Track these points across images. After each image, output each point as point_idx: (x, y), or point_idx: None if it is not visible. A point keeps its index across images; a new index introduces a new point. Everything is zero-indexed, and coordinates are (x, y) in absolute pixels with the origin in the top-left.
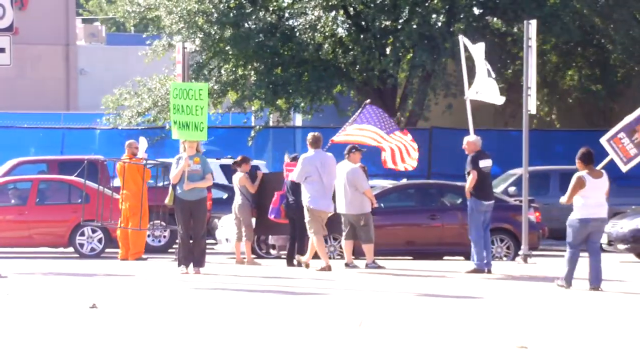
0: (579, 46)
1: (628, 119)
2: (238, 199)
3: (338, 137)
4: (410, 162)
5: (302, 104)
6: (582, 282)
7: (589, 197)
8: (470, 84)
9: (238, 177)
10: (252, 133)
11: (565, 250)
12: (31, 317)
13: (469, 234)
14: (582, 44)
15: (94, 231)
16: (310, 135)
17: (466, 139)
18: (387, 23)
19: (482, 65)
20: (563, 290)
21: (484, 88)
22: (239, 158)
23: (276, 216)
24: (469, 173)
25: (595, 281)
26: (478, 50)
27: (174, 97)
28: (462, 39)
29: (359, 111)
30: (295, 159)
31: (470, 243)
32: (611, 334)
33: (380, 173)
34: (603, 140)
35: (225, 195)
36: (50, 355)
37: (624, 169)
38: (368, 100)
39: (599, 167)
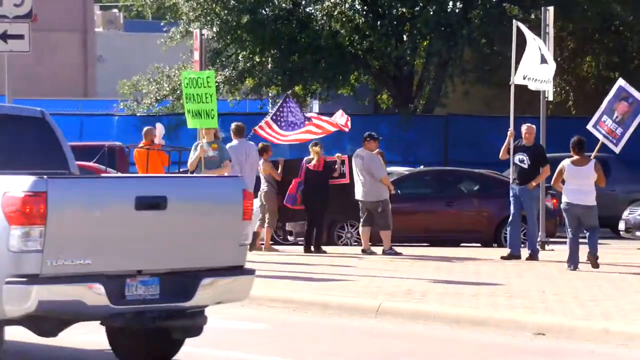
0: (597, 33)
1: (605, 101)
2: (264, 186)
3: (261, 130)
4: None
5: (319, 91)
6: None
7: (569, 184)
8: (516, 68)
9: (262, 165)
10: None
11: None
12: None
13: (530, 221)
14: (600, 30)
15: None
16: (233, 125)
17: (529, 127)
18: (404, 10)
19: (534, 52)
20: (571, 273)
21: (535, 74)
22: (260, 146)
23: (292, 204)
24: (533, 164)
25: (592, 252)
26: (533, 39)
27: (185, 86)
28: (516, 24)
29: (279, 104)
30: (314, 146)
31: (484, 230)
32: None
33: (398, 160)
34: (590, 127)
35: None
36: (71, 343)
37: (616, 149)
38: (289, 92)
39: (593, 154)
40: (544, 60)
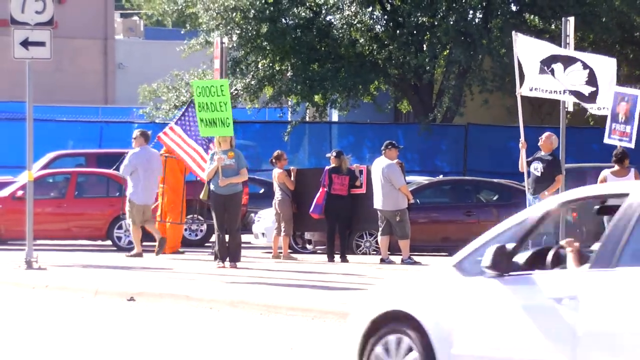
0: (617, 44)
1: (608, 112)
2: (278, 195)
3: (165, 137)
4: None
5: (339, 100)
6: None
7: None
8: (520, 79)
9: (277, 173)
10: (289, 128)
11: None
12: (70, 309)
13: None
14: (621, 42)
15: None
16: (138, 131)
17: (550, 135)
18: (424, 19)
19: (536, 61)
20: None
21: (543, 85)
22: (275, 154)
23: (319, 213)
24: (546, 173)
25: None
26: (537, 46)
27: (197, 95)
28: (516, 36)
29: (184, 108)
30: (338, 155)
31: None
32: None
33: (417, 169)
34: (607, 140)
35: (262, 190)
36: (88, 347)
37: (631, 145)
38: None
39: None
40: (551, 71)
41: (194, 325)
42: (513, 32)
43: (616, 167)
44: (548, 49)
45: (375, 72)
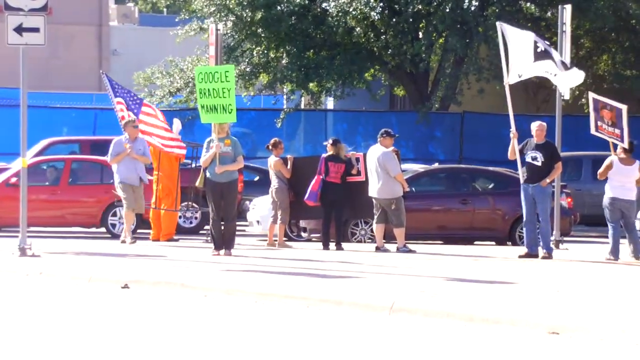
0: (613, 31)
1: (591, 112)
2: (275, 182)
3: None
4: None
5: (334, 88)
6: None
7: (613, 180)
8: (507, 69)
9: (273, 161)
10: (282, 115)
11: (595, 236)
12: (64, 296)
13: (544, 220)
14: (616, 29)
15: None
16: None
17: (540, 125)
18: (420, 7)
19: (527, 49)
20: (611, 264)
21: (530, 71)
22: (272, 141)
23: (314, 200)
24: (547, 161)
25: (636, 252)
26: (520, 35)
27: (199, 81)
28: (500, 26)
29: (106, 82)
30: (335, 142)
31: (499, 228)
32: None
33: (413, 157)
34: (594, 133)
35: (257, 177)
36: (82, 333)
37: (625, 144)
38: (101, 71)
39: (612, 153)
40: (542, 57)
41: (188, 312)
42: (497, 23)
43: (623, 155)
44: (530, 36)
45: (371, 60)
